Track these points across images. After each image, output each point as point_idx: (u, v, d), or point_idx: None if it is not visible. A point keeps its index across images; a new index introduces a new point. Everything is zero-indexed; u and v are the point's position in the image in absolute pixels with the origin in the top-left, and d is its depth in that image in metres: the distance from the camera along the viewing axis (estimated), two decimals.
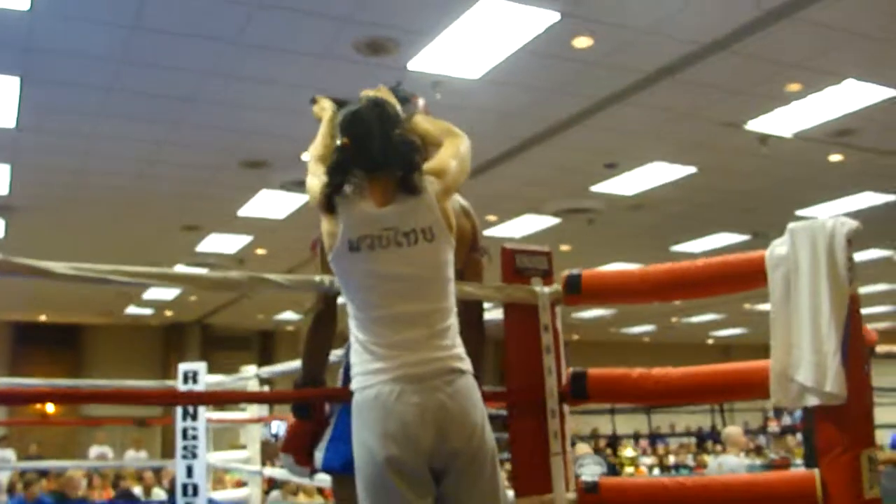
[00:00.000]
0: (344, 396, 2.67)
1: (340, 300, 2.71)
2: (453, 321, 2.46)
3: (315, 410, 2.80)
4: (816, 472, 2.64)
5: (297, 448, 2.81)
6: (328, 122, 2.74)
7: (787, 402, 2.72)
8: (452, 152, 2.58)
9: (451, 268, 2.49)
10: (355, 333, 2.43)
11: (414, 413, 2.27)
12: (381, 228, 2.39)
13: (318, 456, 2.74)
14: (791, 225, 2.72)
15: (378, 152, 2.43)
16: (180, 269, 15.26)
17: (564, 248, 13.76)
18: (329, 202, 2.41)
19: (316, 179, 2.55)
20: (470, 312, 2.80)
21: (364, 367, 2.37)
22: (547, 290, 3.13)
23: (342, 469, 2.63)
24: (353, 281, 2.43)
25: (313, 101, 2.88)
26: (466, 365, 2.43)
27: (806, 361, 2.59)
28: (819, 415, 2.61)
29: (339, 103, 2.78)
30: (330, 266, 2.53)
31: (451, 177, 2.53)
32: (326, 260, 2.72)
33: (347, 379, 2.67)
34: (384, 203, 2.42)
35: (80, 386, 9.32)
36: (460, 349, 2.44)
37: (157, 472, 12.43)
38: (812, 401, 2.59)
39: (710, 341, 28.29)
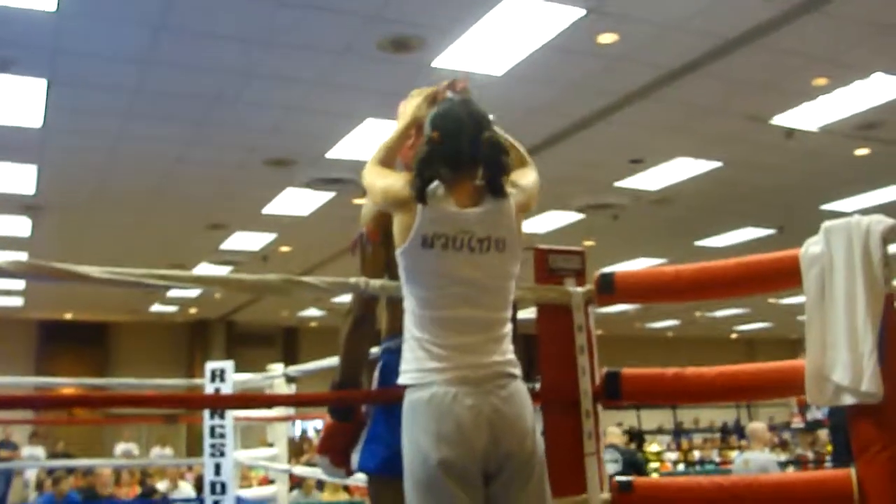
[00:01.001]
0: (381, 399, 2.67)
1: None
2: (509, 329, 2.46)
3: (353, 412, 2.80)
4: (852, 470, 2.62)
5: (334, 449, 2.80)
6: (413, 118, 2.70)
7: (822, 402, 2.71)
8: (526, 174, 2.62)
9: (514, 280, 2.49)
10: (411, 330, 2.41)
11: (469, 416, 2.27)
12: (457, 229, 2.36)
13: (355, 457, 2.73)
14: (825, 223, 2.69)
15: (466, 150, 2.42)
16: (206, 267, 15.34)
17: (589, 243, 13.72)
18: (421, 196, 2.36)
19: (381, 178, 2.53)
20: None
21: (418, 364, 2.36)
22: (580, 290, 3.12)
23: (377, 470, 2.64)
24: (420, 278, 2.40)
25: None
26: (518, 370, 2.43)
27: (842, 361, 2.57)
28: (855, 413, 2.59)
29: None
30: (394, 261, 2.48)
31: (528, 195, 2.56)
32: (369, 258, 2.72)
33: (384, 380, 2.68)
34: (466, 204, 2.40)
35: (108, 386, 9.34)
36: (513, 355, 2.44)
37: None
38: (848, 400, 2.57)
39: (734, 335, 28.19)
